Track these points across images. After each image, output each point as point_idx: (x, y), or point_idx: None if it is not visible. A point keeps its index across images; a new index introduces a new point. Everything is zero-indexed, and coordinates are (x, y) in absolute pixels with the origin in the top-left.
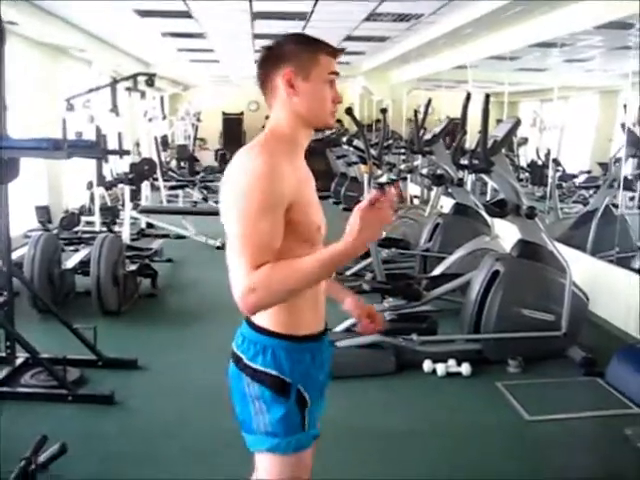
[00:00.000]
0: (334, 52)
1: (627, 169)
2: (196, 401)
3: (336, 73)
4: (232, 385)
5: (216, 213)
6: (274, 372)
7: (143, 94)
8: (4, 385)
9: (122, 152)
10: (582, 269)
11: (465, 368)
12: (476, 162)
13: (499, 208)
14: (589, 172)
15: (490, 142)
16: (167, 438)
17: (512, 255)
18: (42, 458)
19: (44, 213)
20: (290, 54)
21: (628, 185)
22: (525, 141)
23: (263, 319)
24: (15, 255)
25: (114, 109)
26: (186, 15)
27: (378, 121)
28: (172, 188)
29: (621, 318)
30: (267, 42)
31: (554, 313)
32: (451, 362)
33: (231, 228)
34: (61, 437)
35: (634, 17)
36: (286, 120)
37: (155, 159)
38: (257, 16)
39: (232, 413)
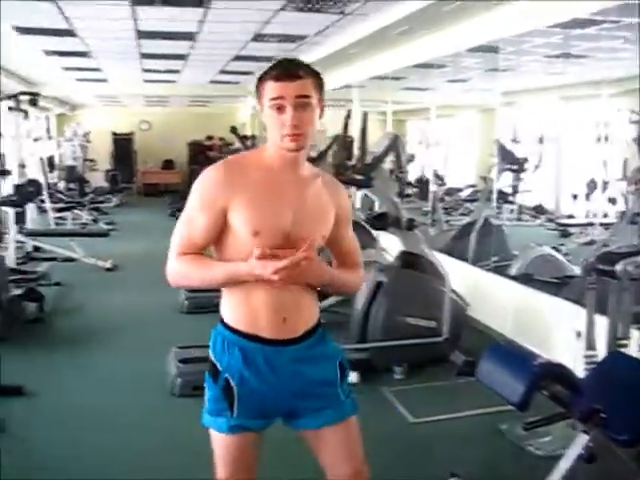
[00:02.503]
0: (276, 77)
1: (501, 183)
2: (85, 425)
3: (278, 97)
4: None
5: (105, 234)
6: (211, 356)
7: (26, 114)
8: None
9: (2, 172)
10: (463, 277)
11: (353, 376)
12: (357, 177)
13: (380, 221)
14: (474, 186)
15: (370, 158)
16: (56, 465)
17: (395, 266)
18: None
19: None
20: (258, 78)
21: (505, 198)
22: (413, 157)
23: (221, 309)
24: None
25: None
26: (70, 33)
27: None
28: (60, 210)
29: (499, 322)
30: (157, 62)
31: (436, 320)
32: None
33: None
34: None
35: (500, 42)
36: (267, 140)
37: (41, 180)
38: (143, 35)
39: (122, 435)
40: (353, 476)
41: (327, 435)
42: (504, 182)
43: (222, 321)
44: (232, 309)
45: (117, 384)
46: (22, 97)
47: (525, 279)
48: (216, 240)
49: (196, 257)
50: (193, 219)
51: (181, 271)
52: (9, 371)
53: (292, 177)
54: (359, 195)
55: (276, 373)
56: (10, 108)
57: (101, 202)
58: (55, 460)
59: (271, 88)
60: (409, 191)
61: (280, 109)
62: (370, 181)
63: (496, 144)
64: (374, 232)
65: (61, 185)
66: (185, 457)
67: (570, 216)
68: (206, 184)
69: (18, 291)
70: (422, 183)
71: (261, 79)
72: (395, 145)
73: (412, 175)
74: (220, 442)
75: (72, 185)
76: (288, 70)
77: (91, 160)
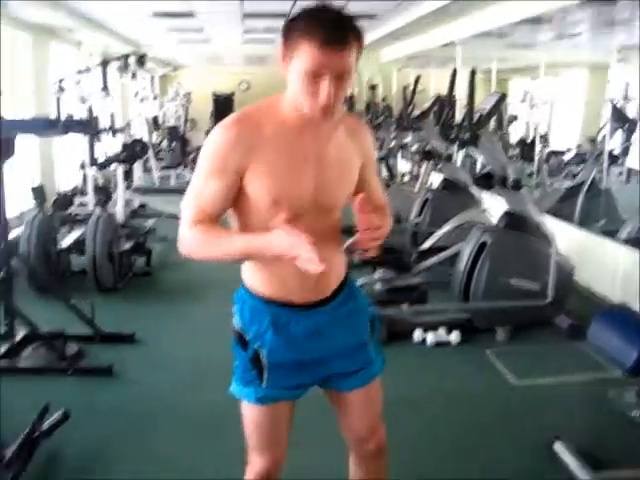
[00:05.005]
0: (320, 43)
1: (613, 144)
2: (191, 372)
3: (318, 71)
4: None
5: None
6: (238, 325)
7: (134, 75)
8: (5, 359)
9: (114, 130)
10: (569, 240)
11: (454, 336)
12: (463, 136)
13: (486, 181)
14: (579, 147)
15: (476, 116)
16: (164, 407)
17: (499, 226)
18: (45, 425)
19: (39, 194)
20: (290, 26)
21: (615, 160)
22: (515, 118)
23: (244, 274)
24: (10, 235)
25: (105, 89)
26: None
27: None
28: (164, 168)
29: (606, 286)
30: (257, 22)
31: (540, 282)
32: (441, 331)
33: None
34: (62, 408)
35: None
36: (287, 93)
37: (146, 140)
38: None
39: (226, 384)
40: (368, 434)
41: (352, 396)
42: (614, 143)
43: (245, 287)
44: (258, 274)
45: (213, 334)
46: (130, 58)
47: (636, 243)
48: (233, 206)
49: (212, 228)
50: (204, 187)
51: (193, 242)
52: (120, 320)
53: (313, 134)
54: (461, 154)
55: (310, 339)
56: (119, 69)
57: None
58: (160, 403)
59: (310, 56)
60: (511, 152)
61: (316, 77)
62: (477, 140)
63: (610, 103)
64: (477, 192)
65: (164, 144)
66: None
67: None
68: (218, 146)
69: (127, 245)
70: (525, 144)
71: (295, 30)
72: (499, 105)
73: (514, 136)
74: (249, 412)
75: (173, 145)
76: (335, 36)
77: (192, 120)
